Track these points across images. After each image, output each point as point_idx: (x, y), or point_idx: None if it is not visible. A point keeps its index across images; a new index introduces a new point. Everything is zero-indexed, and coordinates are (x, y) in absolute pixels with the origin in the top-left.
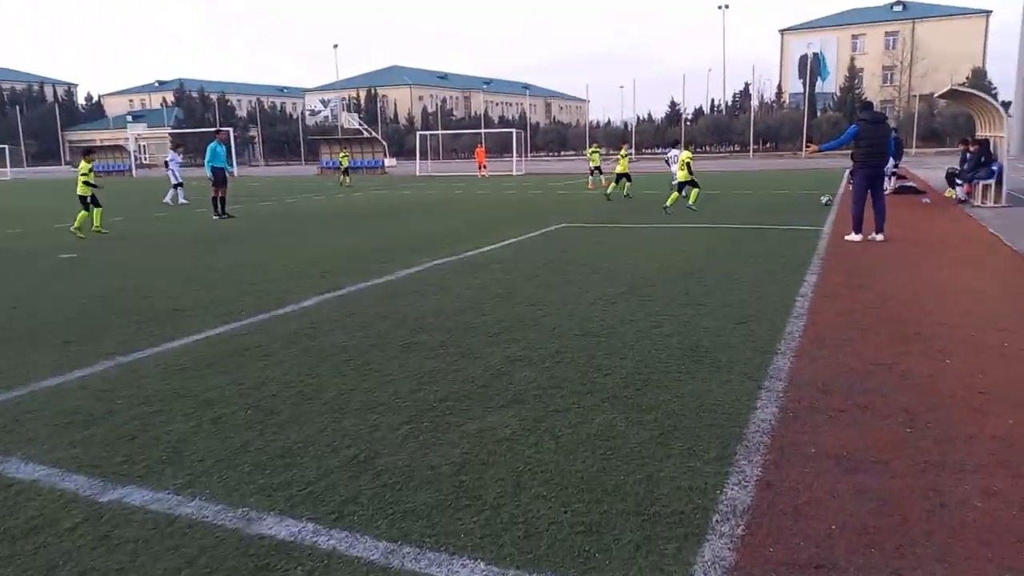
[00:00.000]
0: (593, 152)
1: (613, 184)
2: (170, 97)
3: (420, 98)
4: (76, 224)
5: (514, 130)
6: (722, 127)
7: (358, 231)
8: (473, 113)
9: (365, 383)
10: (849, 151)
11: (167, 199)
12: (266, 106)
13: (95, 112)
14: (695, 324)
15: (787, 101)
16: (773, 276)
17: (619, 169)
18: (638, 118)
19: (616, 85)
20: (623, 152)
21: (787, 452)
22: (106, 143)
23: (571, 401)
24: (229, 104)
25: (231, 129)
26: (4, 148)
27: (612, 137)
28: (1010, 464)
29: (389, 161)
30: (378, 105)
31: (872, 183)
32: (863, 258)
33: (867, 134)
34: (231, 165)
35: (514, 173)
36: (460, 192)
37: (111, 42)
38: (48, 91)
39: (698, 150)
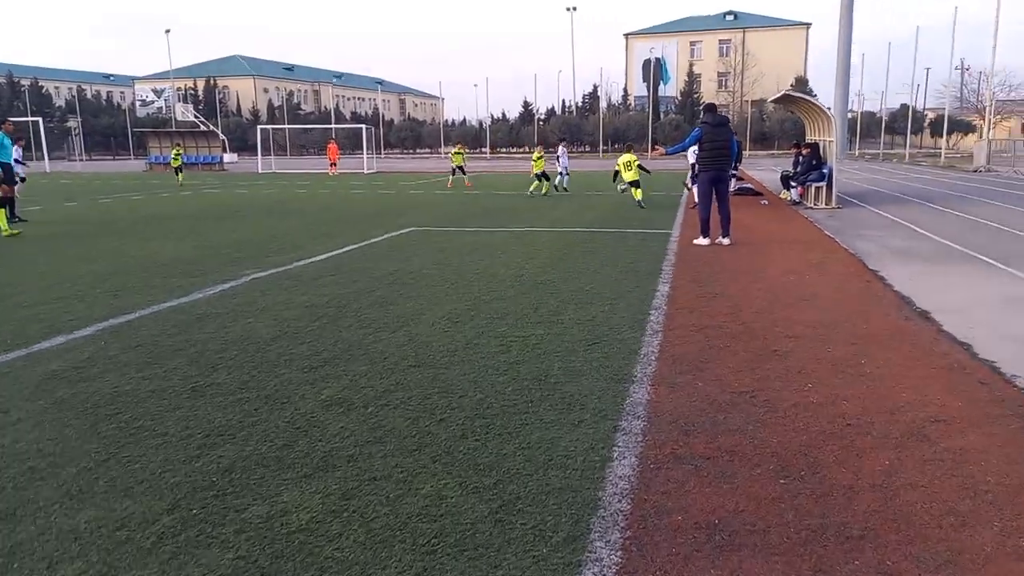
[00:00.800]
0: (456, 152)
1: (538, 183)
2: None
3: (265, 90)
4: None
5: (364, 126)
6: (573, 127)
7: (171, 237)
8: (323, 108)
9: (126, 450)
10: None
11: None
12: (89, 95)
13: None
14: (546, 347)
15: (633, 103)
16: (625, 286)
17: (536, 170)
18: (492, 117)
19: (470, 83)
20: (537, 154)
21: (651, 523)
22: None
23: (394, 463)
24: (44, 91)
25: (40, 119)
26: None
27: (467, 135)
28: (898, 525)
29: (229, 156)
30: (217, 96)
31: (716, 186)
32: (713, 263)
33: (710, 137)
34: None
35: (364, 171)
36: (303, 191)
37: None
38: None
39: (549, 150)
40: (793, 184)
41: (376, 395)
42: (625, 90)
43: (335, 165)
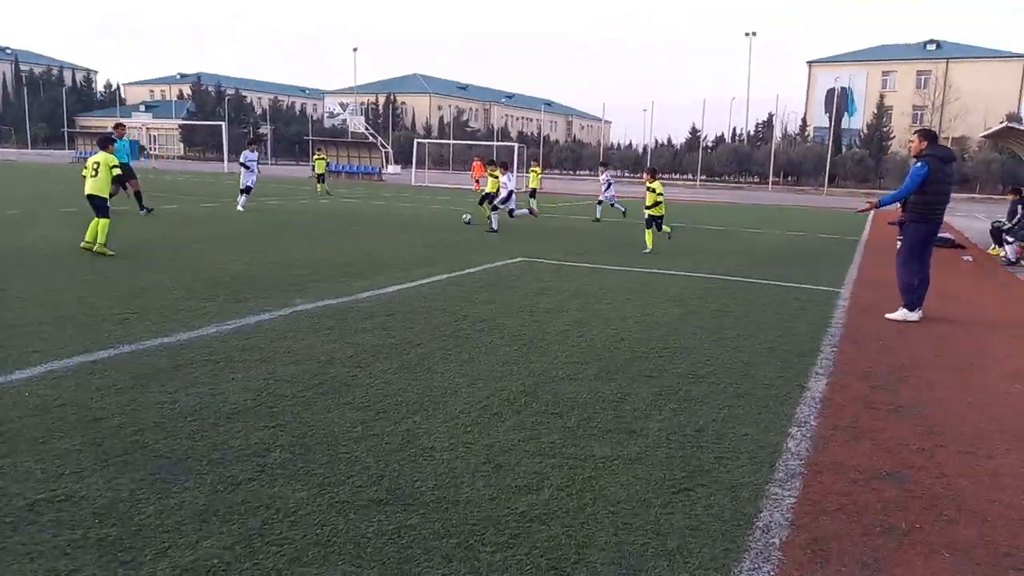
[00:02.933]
0: (533, 170)
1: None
2: (187, 90)
3: (439, 107)
4: (92, 237)
5: (516, 144)
6: (742, 156)
7: (255, 249)
8: (491, 126)
9: None
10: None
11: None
12: (285, 105)
13: (113, 100)
14: (599, 487)
15: (811, 135)
16: (761, 375)
17: (531, 184)
18: (656, 142)
19: (639, 108)
20: (533, 167)
21: None
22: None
23: None
24: (246, 100)
25: (224, 123)
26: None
27: (626, 160)
28: None
29: (393, 168)
30: (394, 111)
31: (928, 243)
32: (897, 350)
33: (937, 177)
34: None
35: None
36: (438, 207)
37: (139, 34)
38: (68, 76)
39: (715, 178)
40: (1009, 240)
41: (283, 562)
42: (804, 120)
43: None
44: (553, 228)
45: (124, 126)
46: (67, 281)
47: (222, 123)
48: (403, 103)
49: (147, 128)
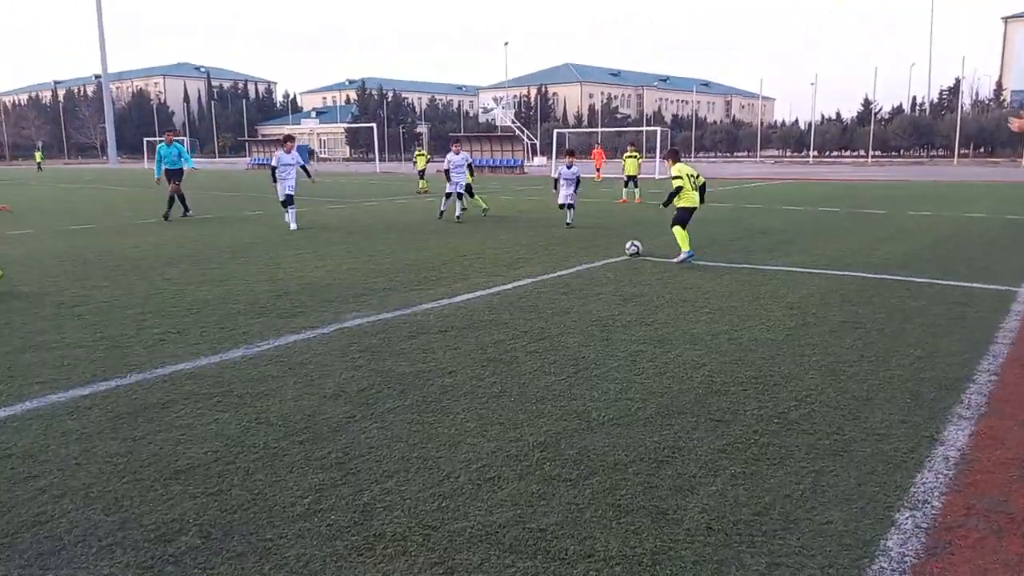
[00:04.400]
0: (629, 156)
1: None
2: (353, 95)
3: (590, 96)
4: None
5: (658, 128)
6: (923, 128)
7: (340, 253)
8: (643, 111)
9: None
10: None
11: (447, 208)
12: (442, 104)
13: (291, 108)
14: None
15: (1008, 100)
16: (871, 427)
17: (627, 172)
18: (823, 117)
19: (805, 83)
20: (629, 153)
21: None
22: (270, 137)
23: None
24: (406, 101)
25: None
26: (195, 140)
27: (790, 137)
28: None
29: (539, 160)
30: (545, 103)
31: None
32: None
33: None
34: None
35: (656, 176)
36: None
37: (315, 45)
38: (252, 89)
39: (890, 154)
40: None
41: None
42: (999, 83)
43: (598, 172)
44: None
45: (175, 131)
46: (153, 286)
47: (373, 125)
48: (554, 94)
49: (316, 133)
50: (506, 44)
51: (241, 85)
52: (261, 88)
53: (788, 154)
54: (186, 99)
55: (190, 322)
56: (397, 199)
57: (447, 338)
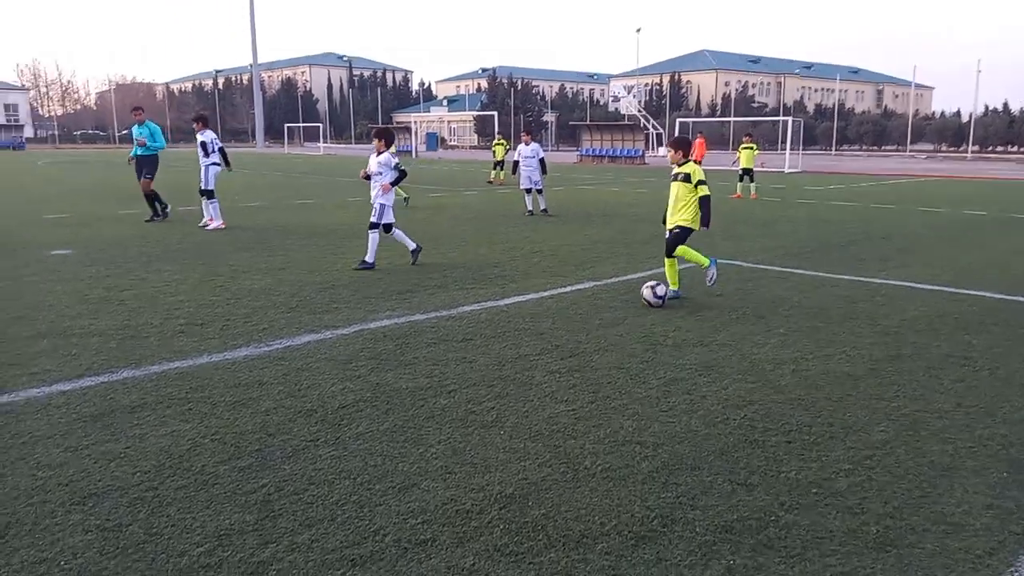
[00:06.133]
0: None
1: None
2: (484, 83)
3: (726, 84)
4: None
5: (789, 119)
6: None
7: (404, 246)
8: (784, 100)
9: None
10: None
11: (532, 206)
12: (570, 92)
13: (425, 97)
14: None
15: None
16: (939, 514)
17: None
18: (986, 108)
19: (971, 70)
20: (745, 144)
21: None
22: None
23: None
24: (534, 90)
25: (495, 113)
26: (318, 127)
27: (944, 132)
28: None
29: (663, 150)
30: (678, 91)
31: None
32: None
33: None
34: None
35: (785, 170)
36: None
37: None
38: (389, 78)
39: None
40: None
41: None
42: None
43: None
44: (801, 217)
45: (142, 109)
46: (211, 272)
47: (493, 113)
48: (688, 82)
49: (446, 121)
50: (638, 31)
51: (380, 74)
52: (398, 77)
53: (944, 149)
54: (329, 87)
55: (220, 313)
56: (500, 189)
57: (467, 348)
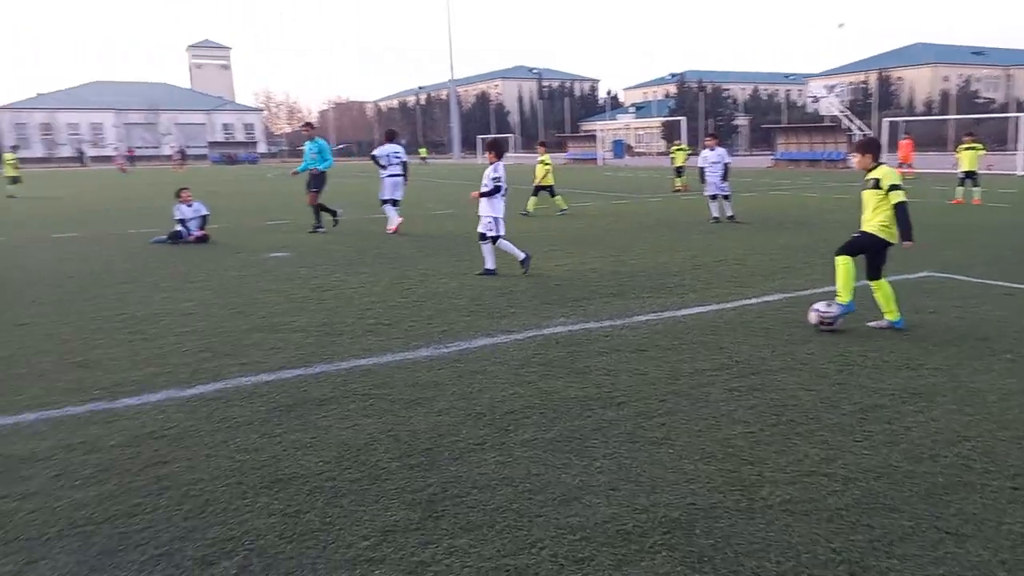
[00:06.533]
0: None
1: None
2: (673, 89)
3: (945, 79)
4: None
5: (1020, 115)
6: None
7: (561, 254)
8: (1016, 95)
9: None
10: None
11: (719, 213)
12: (764, 94)
13: (612, 105)
14: None
15: None
16: None
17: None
18: None
19: None
20: (967, 144)
21: None
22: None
23: None
24: (725, 93)
25: (683, 118)
26: (508, 137)
27: None
28: None
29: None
30: (886, 89)
31: None
32: None
33: None
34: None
35: (1018, 172)
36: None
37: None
38: (576, 88)
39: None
40: None
41: None
42: None
43: (911, 167)
44: (1020, 226)
45: (312, 126)
46: (400, 275)
47: (680, 119)
48: (899, 78)
49: (633, 128)
50: (840, 26)
51: (568, 84)
52: (585, 86)
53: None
54: (520, 99)
55: (405, 315)
56: (685, 196)
57: (640, 359)
